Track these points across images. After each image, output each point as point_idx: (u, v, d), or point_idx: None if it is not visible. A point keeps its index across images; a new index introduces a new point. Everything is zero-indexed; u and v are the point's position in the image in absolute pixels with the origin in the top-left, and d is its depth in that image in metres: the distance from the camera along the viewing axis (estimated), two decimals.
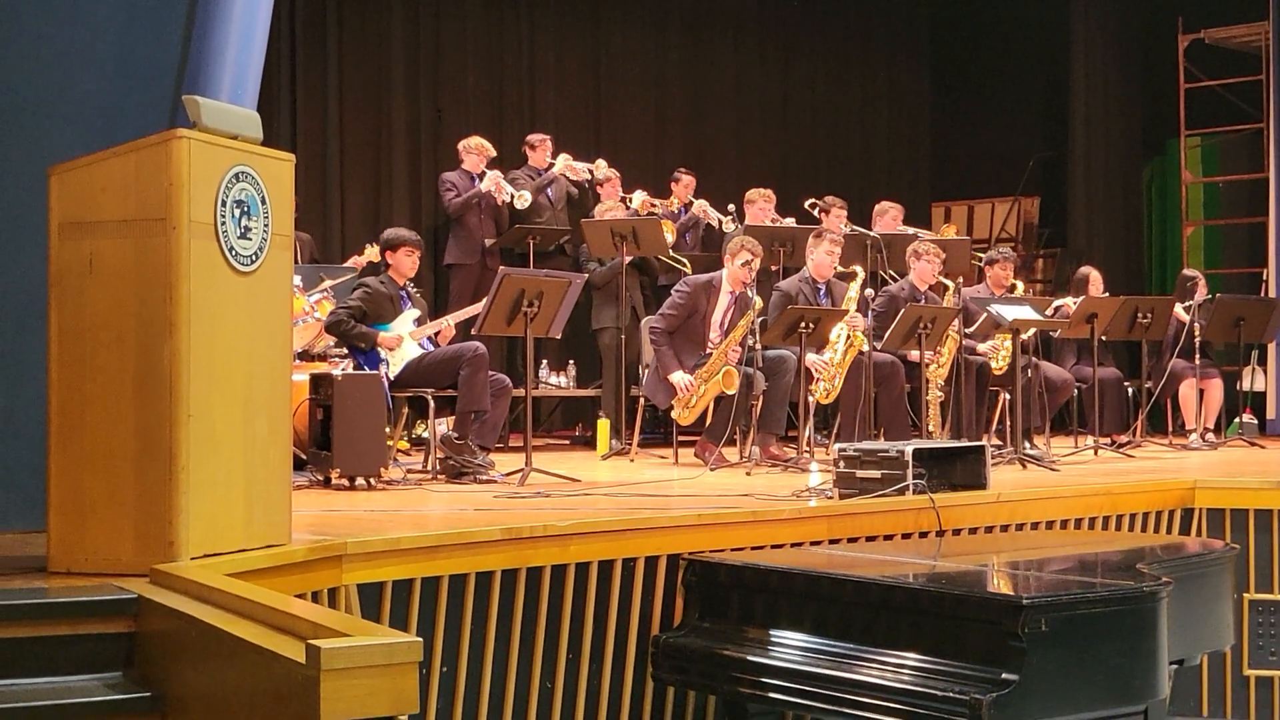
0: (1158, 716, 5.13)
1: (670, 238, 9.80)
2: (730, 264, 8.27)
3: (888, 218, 10.45)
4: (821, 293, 8.63)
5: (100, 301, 4.17)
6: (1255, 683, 6.95)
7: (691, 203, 10.48)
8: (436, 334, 7.67)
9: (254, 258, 4.33)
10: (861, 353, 8.28)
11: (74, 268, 4.18)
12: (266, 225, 4.37)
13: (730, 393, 7.95)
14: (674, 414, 8.27)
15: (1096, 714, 4.58)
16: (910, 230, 10.46)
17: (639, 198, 10.26)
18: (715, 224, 10.29)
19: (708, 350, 8.22)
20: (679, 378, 8.13)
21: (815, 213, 10.17)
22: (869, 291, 8.56)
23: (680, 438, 8.49)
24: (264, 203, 4.35)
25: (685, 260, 9.73)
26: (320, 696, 2.86)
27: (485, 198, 9.86)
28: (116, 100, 5.07)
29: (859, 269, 8.67)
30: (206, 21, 5.12)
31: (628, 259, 9.18)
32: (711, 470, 7.72)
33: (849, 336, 8.33)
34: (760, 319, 8.05)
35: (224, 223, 4.21)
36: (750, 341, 7.94)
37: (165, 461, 4.08)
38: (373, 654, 2.93)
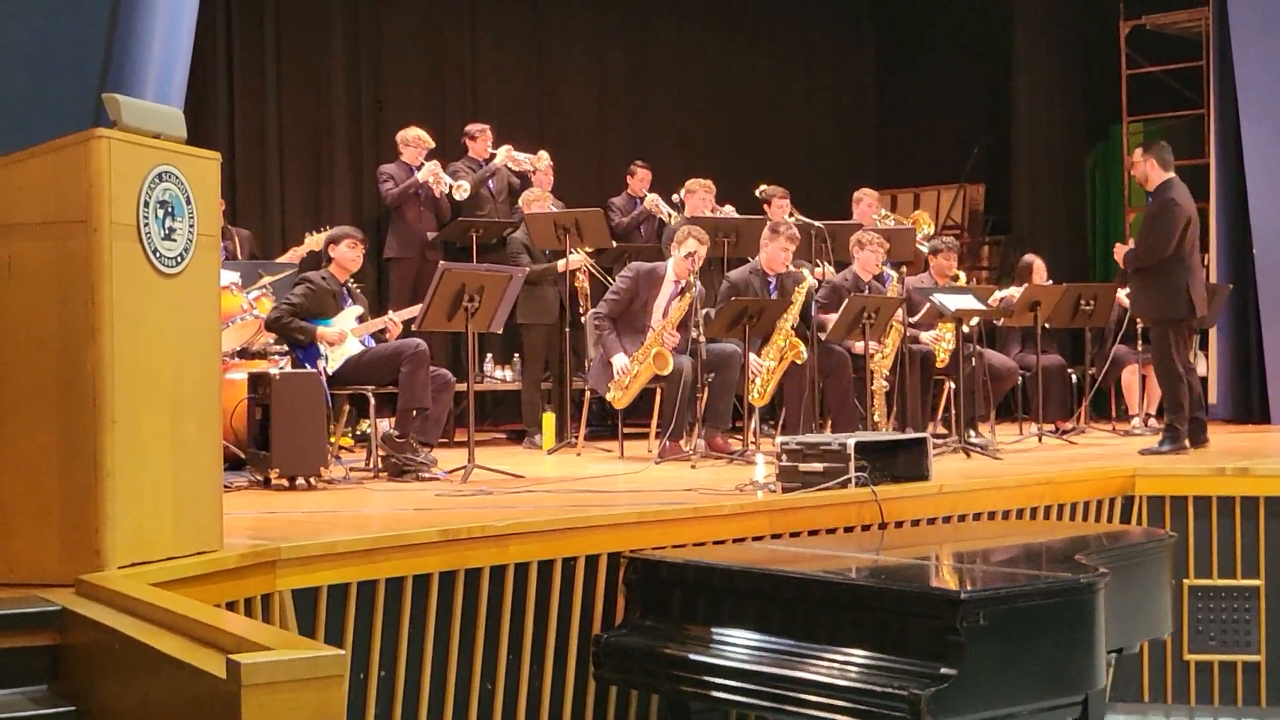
0: (1097, 706, 5.15)
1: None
2: (676, 253, 8.18)
3: (863, 205, 10.43)
4: (772, 285, 8.57)
5: (20, 305, 4.09)
6: (1195, 667, 7.01)
7: (645, 196, 10.41)
8: (383, 331, 7.57)
9: (179, 259, 4.24)
10: (795, 364, 8.19)
11: None
12: (192, 226, 4.28)
13: (664, 374, 7.89)
14: (609, 396, 8.20)
15: (1036, 705, 4.59)
16: (884, 214, 10.45)
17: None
18: (666, 218, 10.17)
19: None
20: (619, 359, 8.09)
21: (761, 202, 10.12)
22: (813, 282, 8.50)
23: (625, 429, 8.44)
24: (189, 203, 4.27)
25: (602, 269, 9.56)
26: (241, 712, 2.80)
27: (425, 189, 9.74)
28: (37, 96, 4.99)
29: (808, 275, 8.55)
30: (130, 16, 5.05)
31: (564, 262, 9.01)
32: (658, 463, 7.68)
33: (787, 343, 8.22)
34: (705, 310, 7.99)
35: (147, 224, 4.13)
36: (695, 334, 7.87)
37: (90, 469, 4.01)
38: (296, 668, 2.88)
